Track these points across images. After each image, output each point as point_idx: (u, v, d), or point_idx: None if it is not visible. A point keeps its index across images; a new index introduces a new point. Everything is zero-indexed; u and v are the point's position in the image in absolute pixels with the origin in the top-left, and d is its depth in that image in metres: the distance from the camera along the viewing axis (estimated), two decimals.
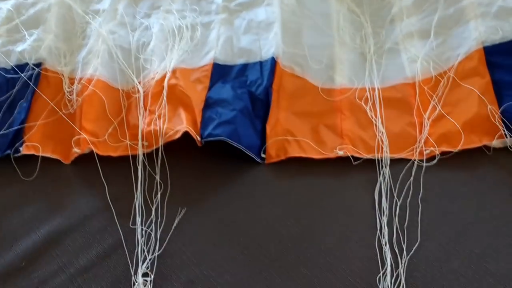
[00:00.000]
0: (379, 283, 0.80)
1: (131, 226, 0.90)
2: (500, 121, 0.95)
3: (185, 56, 1.12)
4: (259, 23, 1.18)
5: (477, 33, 1.03)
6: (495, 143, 0.94)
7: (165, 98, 1.02)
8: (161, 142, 0.96)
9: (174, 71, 1.08)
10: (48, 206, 0.96)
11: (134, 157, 0.98)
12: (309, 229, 0.88)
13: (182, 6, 1.23)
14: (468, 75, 1.02)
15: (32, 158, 1.02)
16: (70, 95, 1.06)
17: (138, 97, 1.04)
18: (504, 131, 0.94)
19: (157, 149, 0.98)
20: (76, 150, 1.00)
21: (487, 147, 0.95)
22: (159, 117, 1.00)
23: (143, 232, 0.88)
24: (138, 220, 0.89)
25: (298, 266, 0.83)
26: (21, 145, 1.02)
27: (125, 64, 1.10)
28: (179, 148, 0.99)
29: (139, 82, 1.07)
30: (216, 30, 1.18)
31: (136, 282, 0.82)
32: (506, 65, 1.00)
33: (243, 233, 0.89)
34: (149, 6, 1.25)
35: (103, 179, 0.95)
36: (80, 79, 1.08)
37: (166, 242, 0.88)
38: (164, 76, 1.07)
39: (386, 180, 0.92)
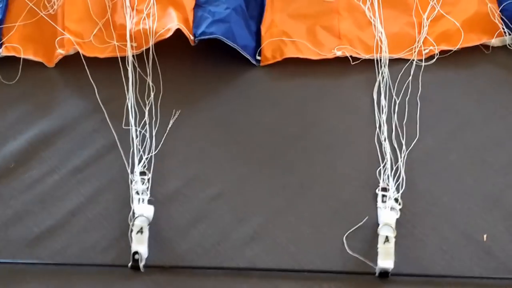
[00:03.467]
0: (380, 175, 0.80)
1: (124, 127, 0.86)
2: (500, 20, 0.93)
3: None
4: None
5: None
6: (494, 41, 0.93)
7: None
8: (151, 41, 0.91)
9: None
10: (34, 109, 0.91)
11: (123, 59, 0.93)
12: (308, 128, 0.87)
13: None
14: None
15: (12, 61, 0.95)
16: None
17: None
18: (503, 29, 0.92)
19: (147, 50, 0.93)
20: (60, 51, 0.94)
21: (485, 46, 0.94)
22: (148, 16, 0.94)
23: (138, 132, 0.85)
24: (132, 120, 0.86)
25: (298, 163, 0.83)
26: (0, 46, 0.96)
27: None
28: (170, 50, 0.94)
29: None
30: None
31: (134, 180, 0.80)
32: None
33: (240, 132, 0.87)
34: None
35: (91, 81, 0.91)
36: None
37: (162, 142, 0.85)
38: None
39: (385, 79, 0.90)
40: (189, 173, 0.82)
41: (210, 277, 0.73)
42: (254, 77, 0.94)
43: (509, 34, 0.92)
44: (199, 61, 0.96)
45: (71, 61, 0.95)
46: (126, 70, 0.91)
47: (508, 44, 0.92)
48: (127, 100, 0.88)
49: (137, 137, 0.84)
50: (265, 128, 0.87)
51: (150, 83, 0.91)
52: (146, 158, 0.83)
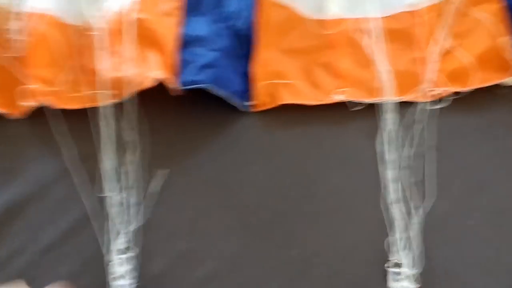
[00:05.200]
0: (389, 248, 0.72)
1: (101, 195, 0.77)
2: None
3: None
4: None
5: None
6: (509, 80, 0.84)
7: (131, 35, 0.84)
8: (132, 91, 0.80)
9: (136, 2, 0.89)
10: None
11: (98, 110, 0.83)
12: (308, 187, 0.78)
13: None
14: (478, 0, 0.89)
15: None
16: (8, 35, 0.87)
17: (98, 36, 0.86)
18: None
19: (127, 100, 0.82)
20: (26, 103, 0.83)
21: (499, 85, 0.85)
22: (126, 60, 0.83)
23: (117, 200, 0.76)
24: (110, 186, 0.76)
25: (299, 232, 0.74)
26: None
27: None
28: (152, 97, 0.83)
29: (97, 16, 0.88)
30: None
31: (111, 260, 0.71)
32: None
33: (234, 195, 0.78)
34: None
35: (62, 138, 0.80)
36: (19, 14, 0.88)
37: (145, 211, 0.76)
38: (125, 8, 0.88)
39: (389, 127, 0.81)
40: (178, 248, 0.73)
41: None
42: (247, 125, 0.84)
43: None
44: (185, 109, 0.85)
45: (38, 113, 0.84)
46: (102, 124, 0.81)
47: None
48: (103, 161, 0.78)
49: (117, 205, 0.75)
50: (262, 189, 0.78)
51: (131, 139, 0.81)
52: (126, 232, 0.74)
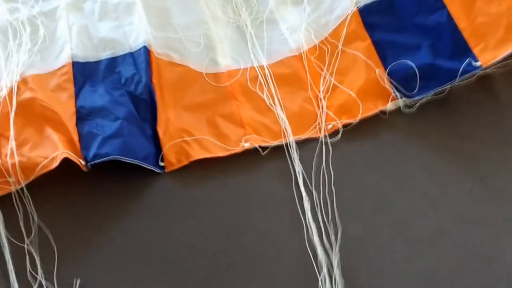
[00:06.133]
0: (322, 282, 0.76)
1: None
2: (389, 83, 0.96)
3: (34, 58, 0.91)
4: (116, 6, 1.01)
5: None
6: (389, 106, 0.95)
7: (23, 117, 0.81)
8: (34, 175, 0.77)
9: (24, 81, 0.87)
10: None
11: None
12: (235, 239, 0.80)
13: None
14: (350, 39, 1.00)
15: None
16: None
17: None
18: (394, 93, 0.95)
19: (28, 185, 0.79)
20: None
21: (382, 111, 0.95)
22: (22, 143, 0.79)
23: None
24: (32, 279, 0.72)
25: (236, 285, 0.76)
26: None
27: None
28: (57, 177, 0.81)
29: None
30: (64, 19, 0.98)
31: None
32: (383, 24, 1.00)
33: (164, 262, 0.77)
34: None
35: None
36: None
37: None
38: (12, 90, 0.85)
39: (298, 167, 0.87)
40: None
41: None
42: (162, 187, 0.85)
43: (401, 97, 0.95)
44: (94, 181, 0.83)
45: None
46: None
47: (402, 107, 0.95)
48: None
49: None
50: (191, 248, 0.79)
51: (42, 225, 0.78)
52: None
